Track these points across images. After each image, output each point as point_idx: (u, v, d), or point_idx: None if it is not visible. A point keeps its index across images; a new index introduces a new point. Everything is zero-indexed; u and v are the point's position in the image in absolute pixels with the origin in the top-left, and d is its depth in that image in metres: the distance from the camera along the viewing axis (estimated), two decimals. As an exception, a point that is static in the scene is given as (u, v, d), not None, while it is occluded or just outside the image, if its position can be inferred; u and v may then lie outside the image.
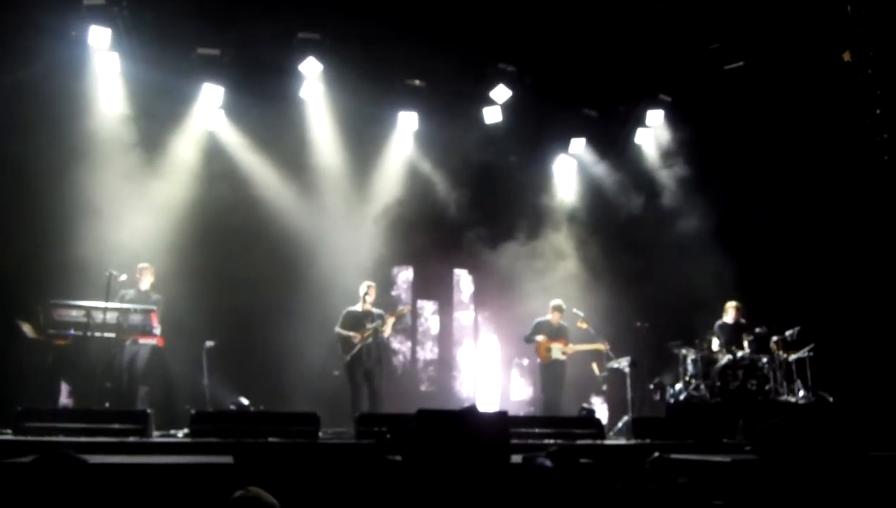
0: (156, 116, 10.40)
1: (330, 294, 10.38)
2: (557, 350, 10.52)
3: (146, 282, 9.17)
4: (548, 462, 3.51)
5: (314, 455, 6.68)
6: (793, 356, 10.15)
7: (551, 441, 7.65)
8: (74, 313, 8.44)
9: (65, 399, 8.96)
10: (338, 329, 9.64)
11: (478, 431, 6.02)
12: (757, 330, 10.42)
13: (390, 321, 9.74)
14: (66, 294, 8.67)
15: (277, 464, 6.26)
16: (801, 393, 9.99)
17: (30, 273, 9.06)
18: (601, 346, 10.42)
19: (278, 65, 10.68)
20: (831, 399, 9.84)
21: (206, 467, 5.46)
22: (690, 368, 10.52)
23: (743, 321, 10.59)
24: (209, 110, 10.75)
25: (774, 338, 10.27)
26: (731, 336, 10.52)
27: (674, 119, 12.12)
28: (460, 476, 5.36)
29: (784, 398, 10.01)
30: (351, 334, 9.52)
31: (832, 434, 7.13)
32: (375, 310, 9.77)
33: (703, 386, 10.26)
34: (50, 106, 9.55)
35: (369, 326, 9.54)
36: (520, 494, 3.36)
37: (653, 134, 12.38)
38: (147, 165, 10.24)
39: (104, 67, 10.02)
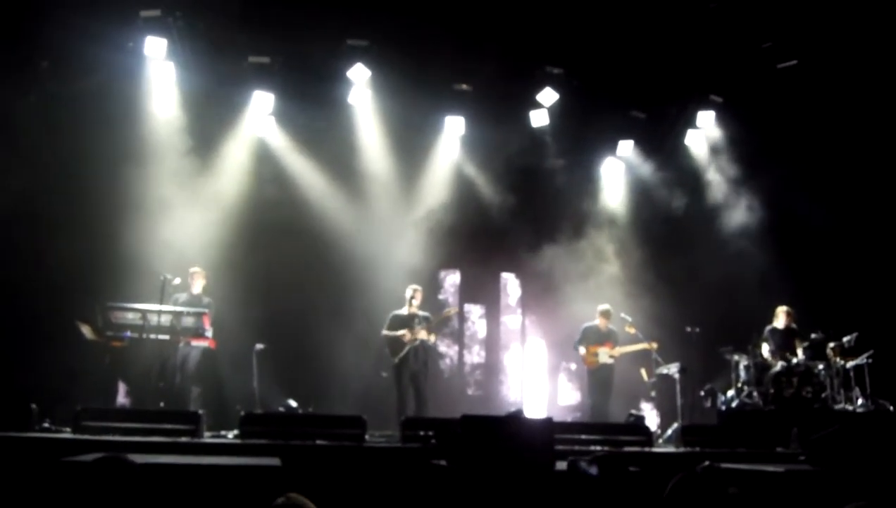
0: (208, 123, 10.66)
1: (378, 298, 10.47)
2: (605, 354, 10.40)
3: (198, 285, 9.38)
4: (593, 469, 3.45)
5: (360, 459, 6.74)
6: (850, 363, 9.83)
7: (598, 448, 7.57)
8: (130, 315, 8.68)
9: (122, 399, 9.24)
10: (385, 333, 9.71)
11: (522, 437, 5.99)
12: (813, 336, 10.12)
13: (435, 323, 9.75)
14: (122, 297, 8.93)
15: (324, 467, 6.33)
16: (860, 401, 9.66)
17: (88, 276, 9.38)
18: (648, 345, 10.24)
19: (327, 71, 10.81)
20: (891, 408, 9.50)
21: (254, 468, 5.55)
22: (743, 374, 10.27)
23: (794, 326, 10.31)
24: (260, 117, 10.96)
25: (831, 344, 9.96)
26: (783, 342, 10.25)
27: (725, 120, 11.85)
28: (505, 482, 5.33)
29: (841, 406, 9.69)
30: (400, 332, 9.57)
31: (891, 444, 6.88)
32: (421, 313, 9.81)
33: (756, 393, 10.00)
34: (108, 114, 9.88)
35: (417, 327, 9.58)
36: (564, 501, 3.32)
37: (703, 135, 12.13)
38: (200, 170, 10.49)
39: (159, 75, 10.33)
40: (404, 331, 9.58)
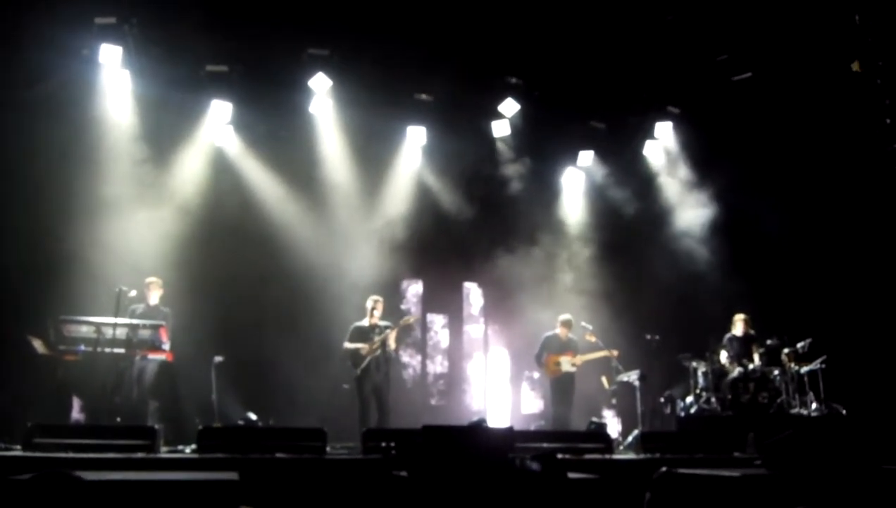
0: (165, 132, 10.47)
1: (339, 309, 10.40)
2: (566, 363, 10.48)
3: (154, 296, 9.22)
4: (535, 465, 3.48)
5: (320, 471, 6.66)
6: (805, 369, 10.05)
7: (559, 456, 7.59)
8: (84, 328, 8.48)
9: (77, 415, 9.01)
10: (346, 345, 9.64)
11: (483, 446, 5.98)
12: (768, 342, 10.33)
13: (392, 333, 9.69)
14: (76, 310, 8.73)
15: (283, 480, 6.25)
16: (814, 406, 9.88)
17: (39, 290, 9.13)
18: (609, 353, 10.37)
19: (287, 81, 10.74)
20: (844, 412, 9.72)
21: (212, 483, 5.44)
22: (701, 381, 10.43)
23: (752, 332, 10.52)
24: (218, 126, 10.83)
25: (786, 350, 10.18)
26: (741, 349, 10.45)
27: (682, 131, 12.07)
28: (465, 492, 5.31)
29: (796, 410, 9.90)
30: (359, 345, 9.52)
31: (844, 448, 7.03)
32: (382, 323, 9.77)
33: (713, 399, 10.16)
34: (61, 123, 9.66)
35: (377, 338, 9.54)
36: (508, 496, 3.35)
37: (661, 145, 12.33)
38: (156, 179, 10.31)
39: (115, 83, 10.13)
40: (363, 345, 9.52)
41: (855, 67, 9.82)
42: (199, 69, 10.42)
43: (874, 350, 10.41)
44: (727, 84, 10.98)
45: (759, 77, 10.84)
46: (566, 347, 10.58)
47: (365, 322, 9.69)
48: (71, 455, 6.67)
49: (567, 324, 10.62)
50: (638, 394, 10.11)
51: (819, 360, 9.96)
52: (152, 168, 10.28)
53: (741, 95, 11.02)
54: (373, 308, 9.69)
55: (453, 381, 12.68)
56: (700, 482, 3.11)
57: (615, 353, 10.41)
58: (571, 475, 6.20)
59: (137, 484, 5.27)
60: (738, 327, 10.57)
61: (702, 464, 7.21)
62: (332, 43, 10.52)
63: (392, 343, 9.72)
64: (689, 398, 10.46)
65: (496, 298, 12.63)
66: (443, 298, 12.73)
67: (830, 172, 11.04)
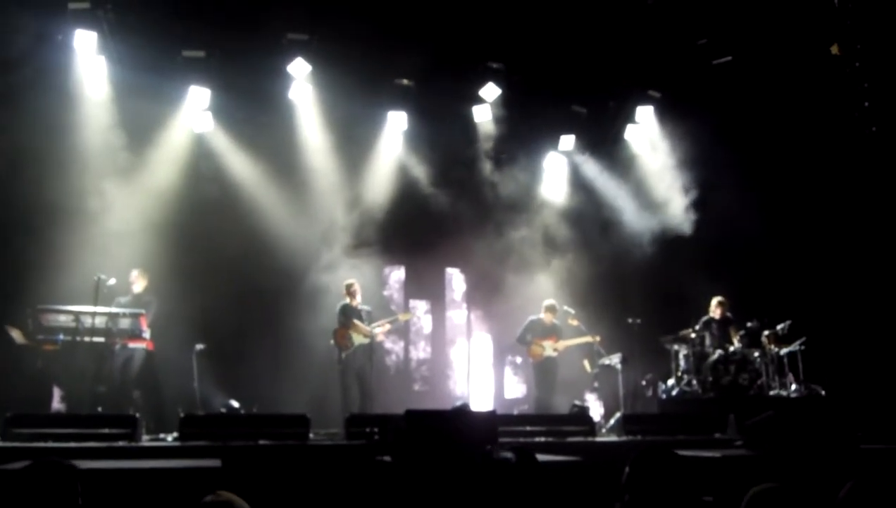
0: (142, 119, 10.28)
1: (321, 295, 10.37)
2: (549, 348, 10.53)
3: (139, 285, 9.16)
4: (509, 454, 3.49)
5: (303, 457, 6.66)
6: (784, 350, 10.15)
7: (542, 440, 7.64)
8: (63, 318, 8.43)
9: (57, 404, 8.91)
10: (337, 325, 9.64)
11: (466, 430, 6.01)
12: (748, 324, 10.41)
13: (388, 326, 9.79)
14: (54, 299, 8.65)
15: (266, 467, 6.23)
16: (793, 387, 9.99)
17: (16, 278, 9.02)
18: (591, 338, 10.43)
19: (266, 66, 10.58)
20: (823, 393, 9.84)
21: (194, 471, 5.42)
22: (682, 363, 10.51)
23: (729, 315, 10.61)
24: (196, 112, 10.66)
25: (766, 332, 10.27)
26: (719, 332, 10.54)
27: (663, 115, 12.10)
28: (448, 476, 5.33)
29: (776, 392, 10.01)
30: (352, 334, 9.57)
31: (824, 428, 7.13)
32: (364, 307, 9.82)
33: (694, 381, 10.25)
34: (37, 110, 9.46)
35: (367, 326, 9.57)
36: (484, 487, 3.36)
37: (642, 129, 12.35)
38: (134, 167, 10.18)
39: (91, 70, 9.95)
40: (357, 334, 9.54)
41: (834, 49, 9.89)
42: (176, 55, 10.25)
43: (852, 332, 10.54)
44: (707, 68, 11.00)
45: (740, 60, 10.87)
46: (550, 332, 10.62)
47: (349, 302, 9.70)
48: (51, 444, 6.62)
49: (551, 309, 10.66)
50: (620, 377, 10.20)
51: (798, 342, 10.06)
52: (130, 155, 10.14)
53: (722, 78, 11.05)
54: (347, 293, 9.72)
55: (436, 367, 12.70)
56: (680, 459, 3.12)
57: (597, 339, 10.47)
58: (554, 457, 6.25)
59: (119, 473, 5.24)
60: (715, 309, 10.66)
61: (683, 445, 7.26)
62: (312, 28, 10.40)
63: (382, 337, 9.80)
64: (671, 381, 10.55)
65: (478, 283, 12.65)
66: (425, 283, 12.73)
67: (810, 154, 11.11)
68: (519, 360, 12.60)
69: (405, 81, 11.27)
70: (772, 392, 9.99)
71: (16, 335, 8.45)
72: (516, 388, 12.86)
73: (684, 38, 10.73)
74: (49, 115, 9.64)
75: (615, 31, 10.42)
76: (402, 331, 12.48)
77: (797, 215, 11.30)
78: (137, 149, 10.25)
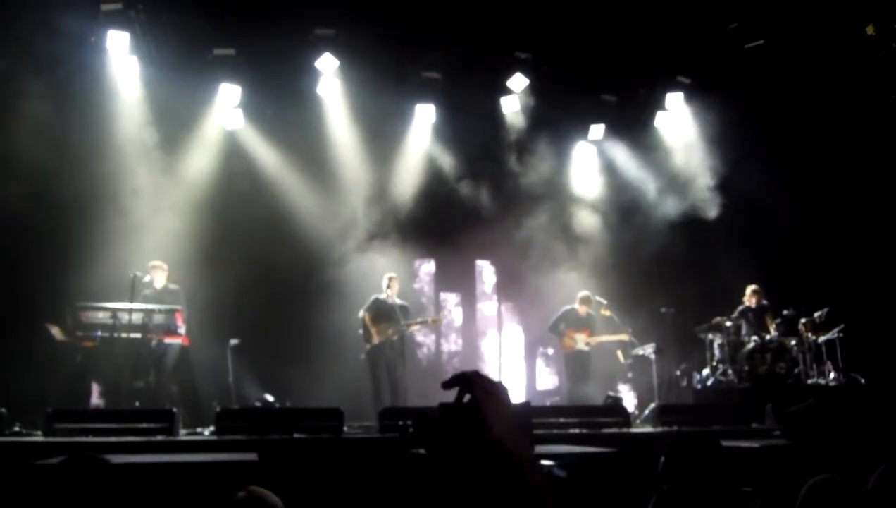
0: (175, 117, 10.41)
1: (354, 289, 10.36)
2: (581, 341, 10.42)
3: (159, 279, 9.17)
4: (561, 472, 3.41)
5: (338, 450, 6.66)
6: (822, 338, 9.92)
7: (577, 431, 7.56)
8: (101, 315, 8.53)
9: (96, 400, 9.05)
10: (363, 314, 9.66)
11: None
12: (785, 312, 10.21)
13: (416, 327, 9.94)
14: (91, 297, 8.75)
15: (301, 460, 6.25)
16: (832, 376, 9.77)
17: (55, 277, 9.14)
18: (624, 336, 10.33)
19: (294, 62, 10.65)
20: (863, 381, 9.61)
21: (231, 464, 5.46)
22: (717, 353, 10.35)
23: (765, 303, 10.41)
24: (227, 110, 10.75)
25: (803, 320, 10.05)
26: (755, 320, 10.34)
27: (694, 101, 11.88)
28: (483, 470, 5.29)
29: (814, 380, 9.79)
30: (372, 331, 9.54)
31: (864, 417, 6.96)
32: (399, 301, 9.77)
33: (730, 371, 10.09)
34: (71, 110, 9.62)
35: (395, 325, 9.58)
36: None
37: (672, 116, 12.14)
38: (167, 165, 10.29)
39: (123, 70, 10.08)
40: (376, 331, 9.56)
41: (870, 30, 9.61)
42: (207, 53, 10.34)
43: (891, 319, 10.26)
44: (739, 52, 10.77)
45: (772, 44, 10.63)
46: (584, 324, 10.53)
47: (384, 297, 9.68)
48: (91, 439, 6.72)
49: (586, 301, 10.55)
50: (654, 367, 10.05)
51: (836, 329, 9.82)
52: (162, 152, 10.24)
53: (754, 62, 10.81)
54: (387, 286, 9.68)
55: (467, 359, 12.63)
56: (718, 446, 3.04)
57: (628, 333, 10.34)
58: (589, 449, 6.18)
59: (158, 467, 5.30)
60: (750, 298, 10.47)
61: (720, 436, 7.14)
62: (338, 23, 10.40)
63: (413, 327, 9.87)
64: (706, 371, 10.39)
65: (508, 275, 12.56)
66: (456, 276, 12.66)
67: (846, 138, 10.83)
68: (551, 352, 12.50)
69: (433, 74, 11.22)
70: (809, 381, 9.78)
71: (55, 332, 8.57)
72: (548, 380, 12.76)
73: (714, 23, 10.52)
74: (82, 115, 9.77)
75: (643, 18, 10.24)
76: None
77: (833, 200, 11.02)
78: (170, 147, 10.36)
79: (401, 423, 7.18)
